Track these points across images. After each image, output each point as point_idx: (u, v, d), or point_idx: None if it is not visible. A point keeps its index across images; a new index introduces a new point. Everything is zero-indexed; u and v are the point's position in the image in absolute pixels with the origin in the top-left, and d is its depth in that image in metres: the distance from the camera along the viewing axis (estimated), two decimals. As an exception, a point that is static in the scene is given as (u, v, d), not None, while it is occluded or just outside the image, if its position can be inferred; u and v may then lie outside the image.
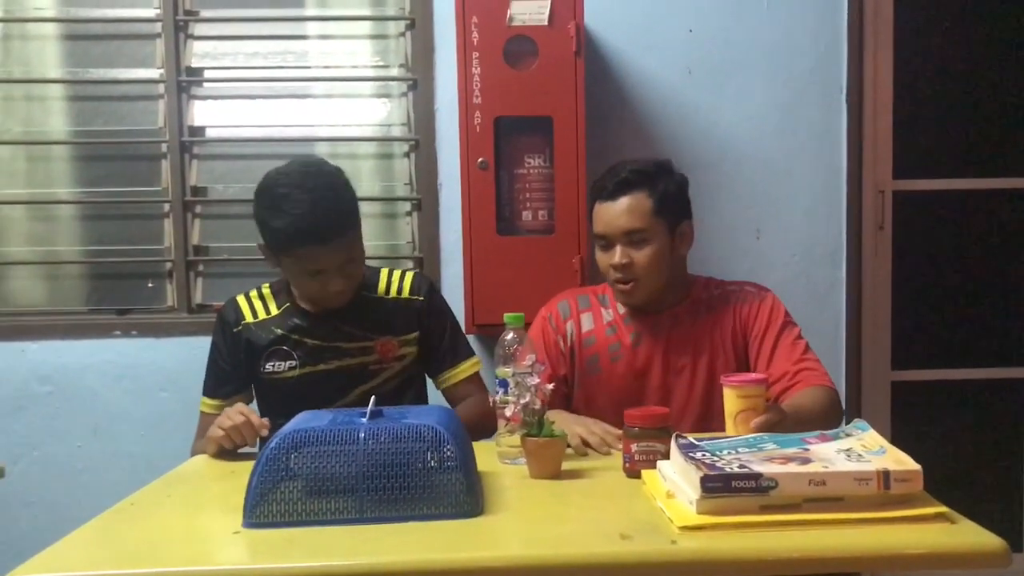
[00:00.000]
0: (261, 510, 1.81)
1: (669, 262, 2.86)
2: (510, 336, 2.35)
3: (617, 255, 2.83)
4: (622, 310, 2.98)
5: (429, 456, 1.87)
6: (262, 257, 2.76)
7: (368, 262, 2.99)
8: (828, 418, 2.53)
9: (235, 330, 2.87)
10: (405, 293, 2.93)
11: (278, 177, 2.67)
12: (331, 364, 2.83)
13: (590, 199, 2.96)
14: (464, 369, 2.97)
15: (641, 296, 2.87)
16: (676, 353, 2.91)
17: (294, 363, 2.82)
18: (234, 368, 2.88)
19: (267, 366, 2.83)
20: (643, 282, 2.84)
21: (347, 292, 2.77)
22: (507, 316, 2.41)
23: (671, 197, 2.85)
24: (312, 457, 1.85)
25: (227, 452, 2.51)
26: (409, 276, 2.98)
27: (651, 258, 2.82)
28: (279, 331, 2.85)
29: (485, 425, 2.65)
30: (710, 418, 2.80)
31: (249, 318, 2.88)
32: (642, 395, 2.90)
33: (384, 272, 2.98)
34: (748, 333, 2.88)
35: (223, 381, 2.88)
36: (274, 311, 2.89)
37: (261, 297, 2.93)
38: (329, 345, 2.82)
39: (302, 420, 2.02)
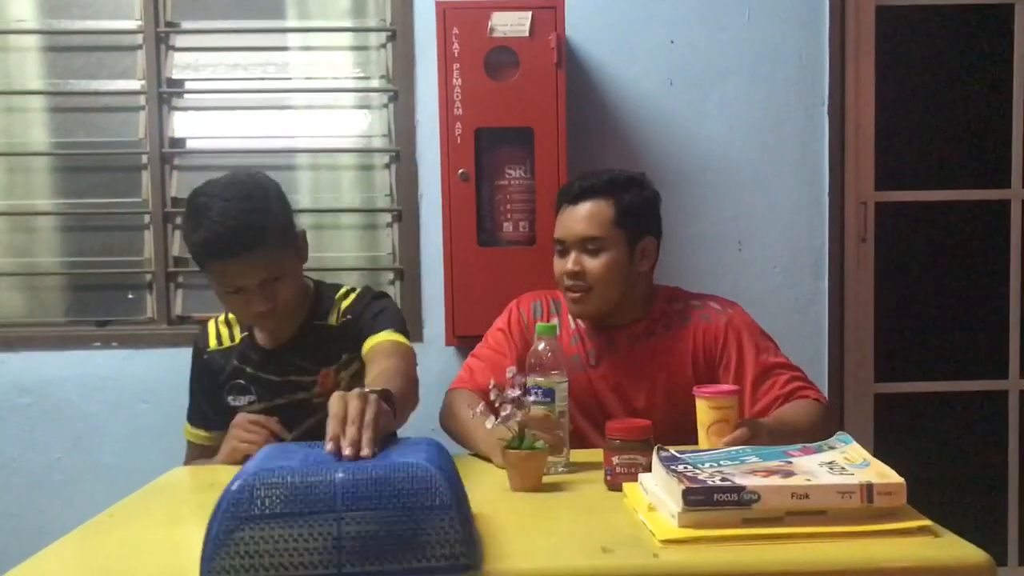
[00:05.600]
0: (221, 562, 1.52)
1: (626, 276, 2.82)
2: (542, 346, 2.34)
3: (570, 262, 2.80)
4: (583, 323, 2.94)
5: (417, 498, 1.55)
6: None
7: (348, 274, 2.95)
8: (819, 433, 2.52)
9: (204, 356, 2.86)
10: (343, 314, 2.81)
11: (202, 188, 2.59)
12: (285, 398, 2.76)
13: (557, 203, 2.92)
14: (389, 334, 2.68)
15: (591, 308, 2.83)
16: (632, 376, 2.86)
17: (252, 397, 2.78)
18: (210, 398, 2.85)
19: (228, 399, 2.79)
20: (594, 292, 2.79)
21: (276, 318, 2.67)
22: (539, 326, 2.38)
23: (635, 210, 2.82)
24: (283, 499, 1.54)
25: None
26: (352, 295, 2.85)
27: (605, 268, 2.77)
28: (235, 362, 2.81)
29: (409, 389, 2.47)
30: (671, 437, 2.71)
31: (213, 344, 2.86)
32: (602, 411, 2.85)
33: (340, 295, 2.85)
34: (714, 361, 2.81)
35: (208, 413, 2.86)
36: (237, 338, 2.85)
37: (227, 323, 2.89)
38: (284, 380, 2.76)
39: (269, 457, 1.72)
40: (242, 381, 2.79)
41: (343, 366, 2.77)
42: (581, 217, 2.79)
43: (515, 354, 2.88)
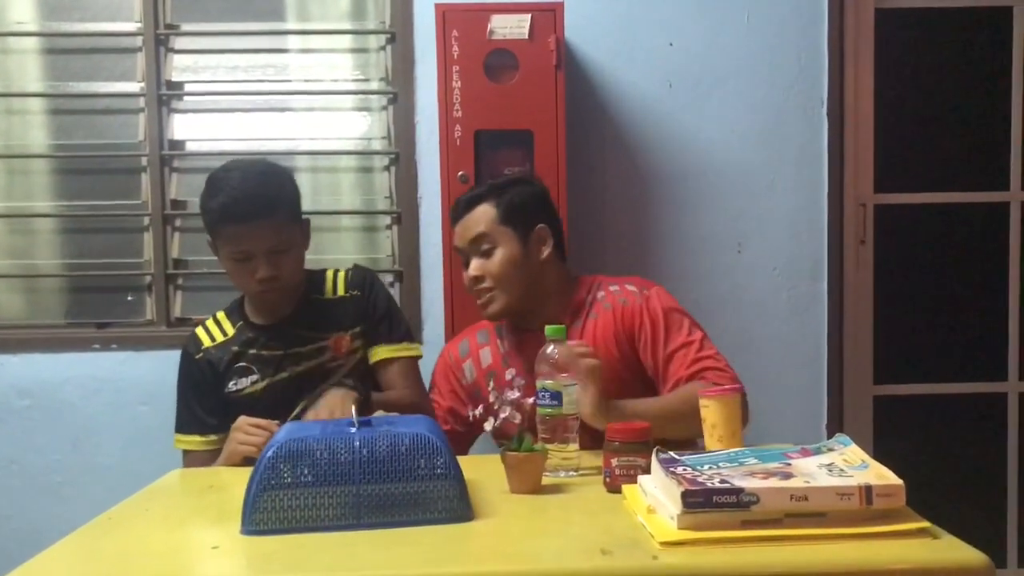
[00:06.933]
0: (259, 517, 1.83)
1: (526, 268, 2.83)
2: (551, 348, 2.34)
3: (471, 268, 2.85)
4: (510, 340, 2.95)
5: (422, 463, 1.90)
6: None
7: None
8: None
9: (196, 358, 2.91)
10: (341, 291, 2.97)
11: (222, 166, 2.80)
12: (290, 371, 2.85)
13: (452, 221, 3.00)
14: (399, 349, 2.96)
15: (499, 306, 2.85)
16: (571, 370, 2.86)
17: (256, 377, 2.85)
18: (207, 400, 2.89)
19: (230, 385, 2.86)
20: (498, 291, 2.83)
21: (278, 289, 2.80)
22: (548, 329, 2.38)
23: (519, 205, 2.87)
24: (310, 465, 1.88)
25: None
26: (343, 273, 3.02)
27: (501, 265, 2.81)
28: (236, 348, 2.88)
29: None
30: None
31: (207, 343, 2.93)
32: None
33: (329, 273, 3.01)
34: (635, 340, 2.81)
35: (203, 417, 2.90)
36: (230, 332, 2.93)
37: (217, 322, 2.98)
38: (287, 352, 2.85)
39: (294, 430, 2.04)
40: (244, 363, 2.87)
41: (357, 336, 2.92)
42: (470, 223, 2.86)
43: (447, 401, 3.00)
